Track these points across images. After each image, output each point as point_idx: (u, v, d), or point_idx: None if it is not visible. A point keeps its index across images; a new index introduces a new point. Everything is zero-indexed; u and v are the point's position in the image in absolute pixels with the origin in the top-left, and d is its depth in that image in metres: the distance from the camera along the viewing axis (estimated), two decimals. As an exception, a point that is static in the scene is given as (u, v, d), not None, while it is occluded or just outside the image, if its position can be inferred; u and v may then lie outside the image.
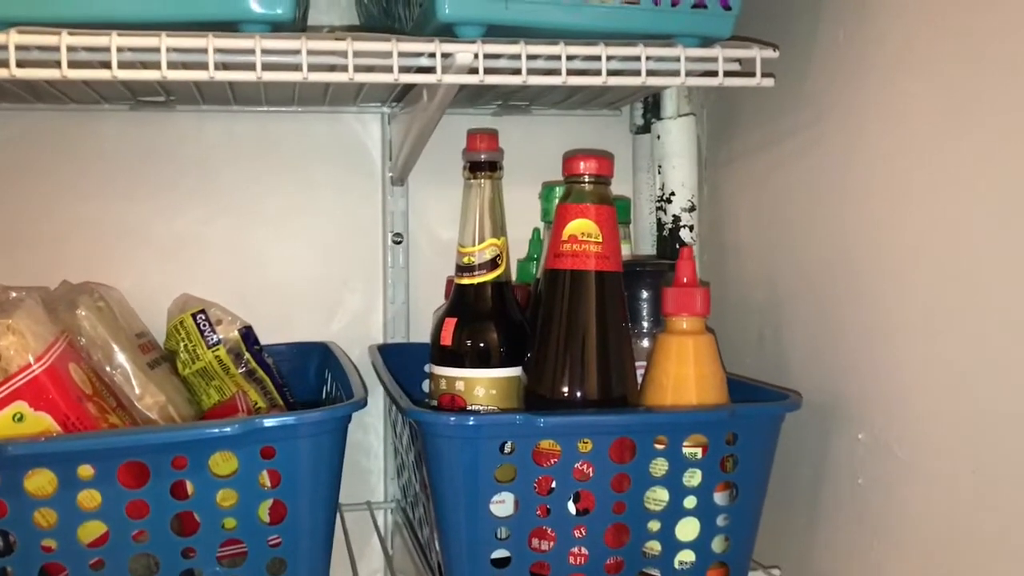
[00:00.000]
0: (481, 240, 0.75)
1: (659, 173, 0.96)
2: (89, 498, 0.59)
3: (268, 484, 0.63)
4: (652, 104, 1.01)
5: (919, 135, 0.67)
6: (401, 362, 0.89)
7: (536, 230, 0.92)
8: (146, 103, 0.92)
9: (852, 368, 0.75)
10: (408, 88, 0.87)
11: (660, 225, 0.97)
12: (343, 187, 1.02)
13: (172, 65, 0.63)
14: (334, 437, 0.64)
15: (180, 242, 0.98)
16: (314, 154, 1.01)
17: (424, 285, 1.03)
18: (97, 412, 0.71)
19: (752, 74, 0.72)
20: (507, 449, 0.65)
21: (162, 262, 0.98)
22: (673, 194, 0.95)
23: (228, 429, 0.59)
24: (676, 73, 0.70)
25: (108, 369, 0.80)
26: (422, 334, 1.03)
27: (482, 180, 0.76)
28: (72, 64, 0.61)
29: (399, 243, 1.02)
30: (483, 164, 0.76)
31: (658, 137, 0.96)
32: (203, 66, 0.63)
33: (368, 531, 0.98)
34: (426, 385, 0.97)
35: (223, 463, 0.63)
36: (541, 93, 0.96)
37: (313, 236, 1.01)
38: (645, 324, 0.79)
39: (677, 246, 0.94)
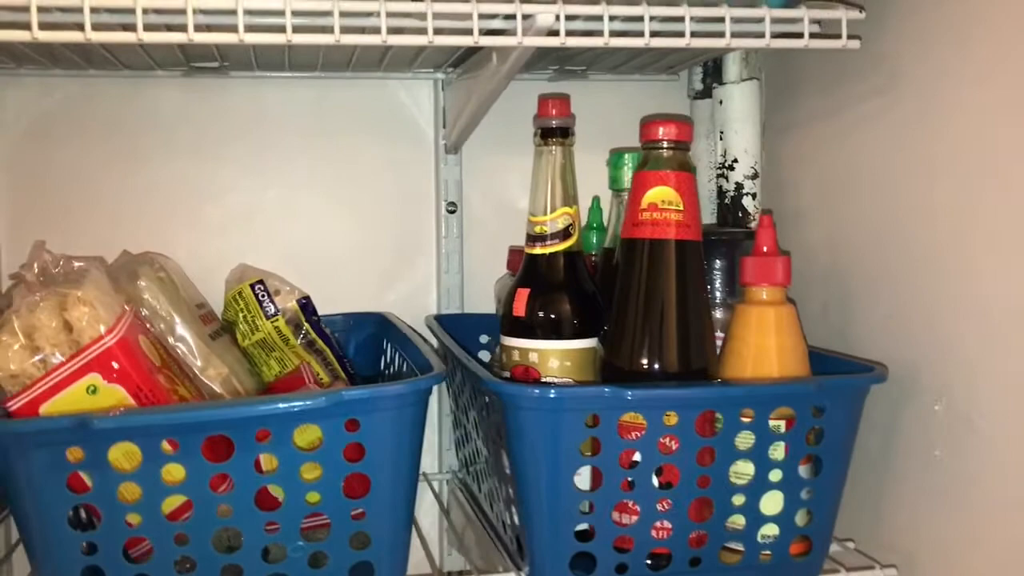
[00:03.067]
0: (553, 209, 0.74)
1: (721, 139, 0.94)
2: (173, 472, 0.58)
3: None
4: (712, 68, 0.98)
5: (1005, 101, 0.65)
6: (456, 332, 0.88)
7: (596, 198, 0.90)
8: (200, 69, 0.90)
9: (929, 339, 0.73)
10: (469, 53, 0.85)
11: (721, 192, 0.95)
12: (395, 155, 1.00)
13: (250, 28, 0.61)
14: (416, 409, 0.63)
15: (234, 211, 0.97)
16: (366, 121, 0.99)
17: (479, 255, 1.02)
18: (167, 384, 0.70)
19: (837, 36, 0.69)
20: (590, 422, 0.64)
21: (216, 232, 0.96)
22: (736, 161, 0.93)
23: (316, 401, 0.58)
24: (760, 35, 0.68)
25: (170, 340, 0.79)
26: (476, 304, 1.02)
27: (554, 147, 0.74)
28: (147, 27, 0.59)
29: (453, 212, 1.01)
30: (555, 130, 0.74)
31: (720, 102, 0.93)
32: (280, 29, 0.61)
33: (421, 502, 0.97)
34: (483, 355, 0.96)
35: (299, 436, 0.62)
36: (599, 57, 0.93)
37: (365, 205, 1.00)
38: (717, 294, 0.77)
39: (739, 214, 0.92)
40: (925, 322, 0.74)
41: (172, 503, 0.60)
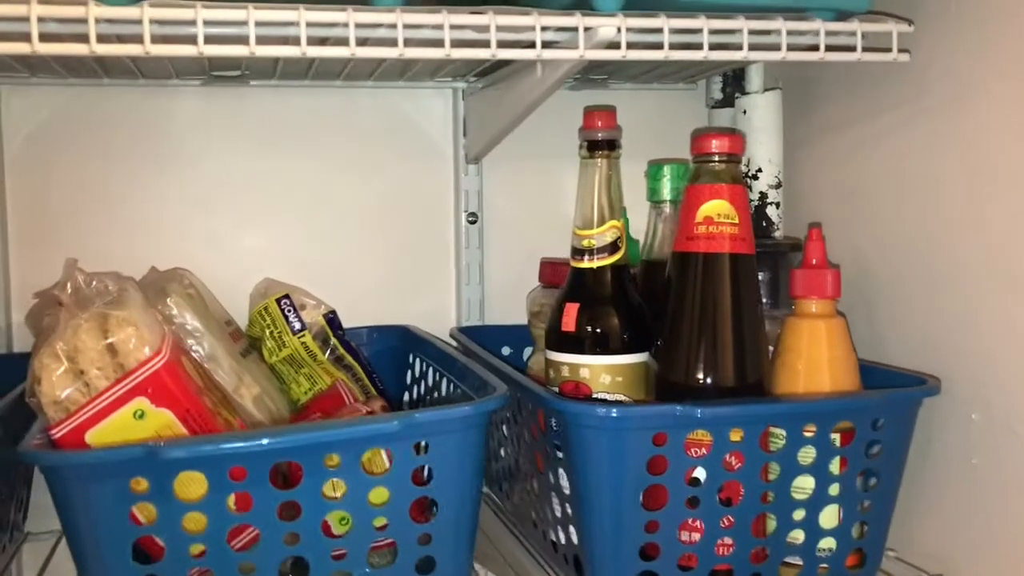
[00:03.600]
0: (601, 222, 0.73)
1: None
2: (241, 500, 0.56)
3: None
4: (732, 78, 0.99)
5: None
6: (480, 345, 0.87)
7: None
8: (220, 78, 0.88)
9: (962, 348, 0.74)
10: (501, 63, 0.84)
11: (745, 202, 0.95)
12: (414, 165, 0.99)
13: (311, 41, 0.59)
14: (480, 431, 0.62)
15: (253, 224, 0.94)
16: (386, 131, 0.98)
17: (499, 266, 1.00)
18: (212, 406, 0.68)
19: (888, 49, 0.70)
20: (657, 440, 0.63)
21: (235, 245, 0.94)
22: (760, 170, 0.93)
23: (389, 425, 0.56)
24: (815, 47, 0.68)
25: (203, 360, 0.76)
26: (495, 316, 1.01)
27: (600, 160, 0.73)
28: (208, 40, 0.57)
29: (474, 223, 0.99)
30: (601, 143, 0.73)
31: (744, 112, 0.93)
32: (344, 42, 0.59)
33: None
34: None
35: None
36: (622, 67, 0.93)
37: (383, 216, 0.98)
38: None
39: (763, 223, 0.92)
40: (957, 332, 0.74)
41: (238, 532, 0.58)
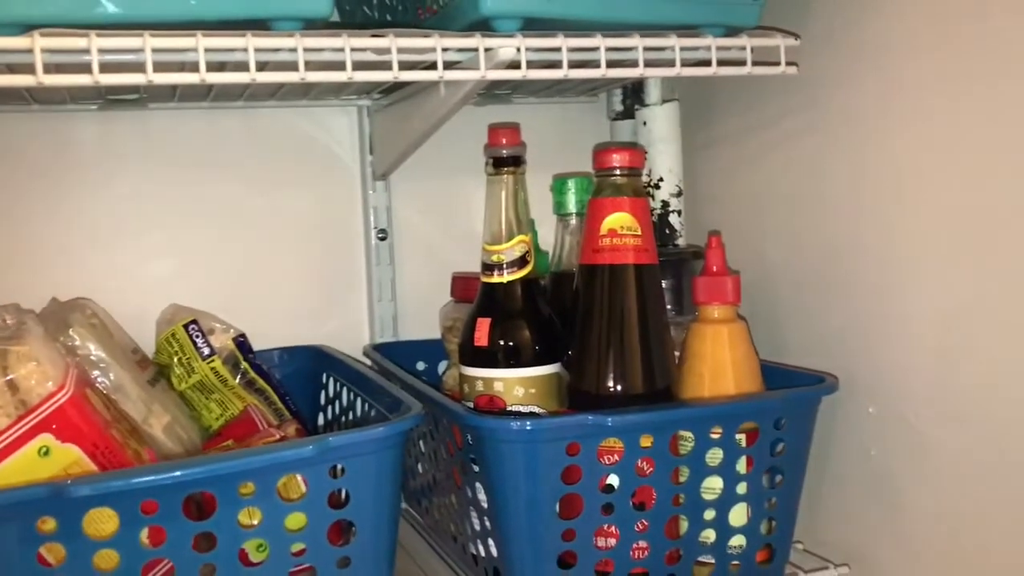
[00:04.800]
0: (509, 237, 0.74)
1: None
2: (154, 534, 0.55)
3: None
4: (632, 90, 1.01)
5: (921, 119, 0.69)
6: (394, 362, 0.87)
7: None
8: (116, 102, 0.86)
9: (858, 345, 0.77)
10: (405, 81, 0.85)
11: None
12: (321, 183, 0.98)
13: (210, 67, 0.58)
14: (397, 451, 0.62)
15: (157, 248, 0.93)
16: (290, 150, 0.97)
17: (411, 282, 1.01)
18: (120, 438, 0.66)
19: (776, 63, 0.73)
20: (570, 450, 0.65)
21: (139, 270, 0.92)
22: (661, 179, 0.95)
23: (304, 451, 0.56)
24: (708, 63, 0.70)
25: (109, 390, 0.75)
26: (410, 332, 1.01)
27: (505, 176, 0.74)
28: (104, 68, 0.56)
29: (384, 239, 0.99)
30: (506, 159, 0.74)
31: (644, 123, 0.96)
32: (244, 67, 0.59)
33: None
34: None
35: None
36: (526, 83, 0.94)
37: (290, 236, 0.97)
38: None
39: (667, 231, 0.95)
40: (853, 331, 0.78)
41: (152, 566, 0.57)
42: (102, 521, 0.55)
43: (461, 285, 0.89)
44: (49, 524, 0.54)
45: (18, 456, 0.61)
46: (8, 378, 0.62)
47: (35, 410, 0.61)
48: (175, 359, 0.84)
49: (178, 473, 0.54)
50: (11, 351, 0.63)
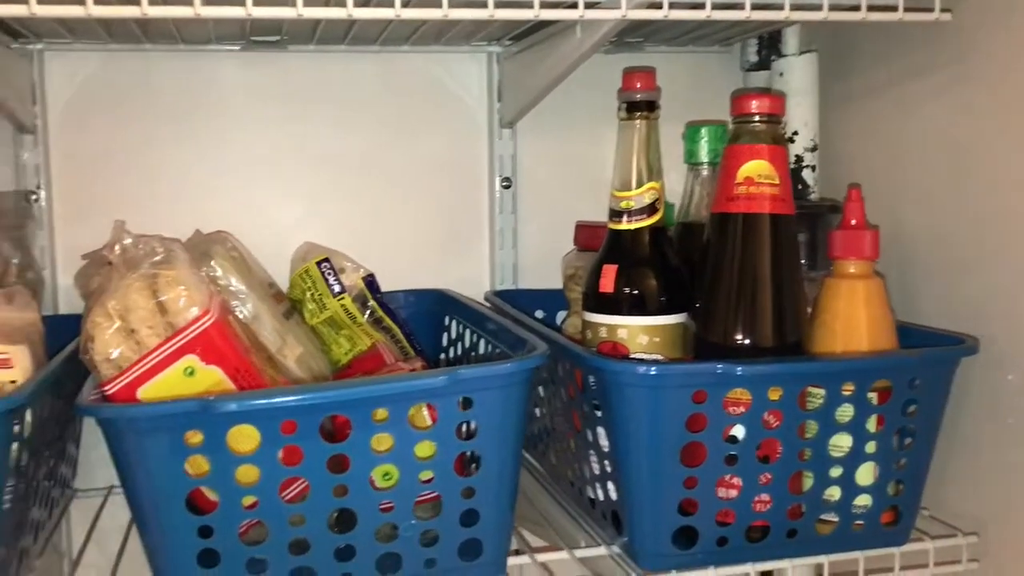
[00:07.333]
0: (640, 184, 0.73)
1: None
2: (291, 453, 0.58)
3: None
4: (768, 41, 0.98)
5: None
6: (515, 308, 0.88)
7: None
8: (258, 43, 0.88)
9: (999, 309, 0.74)
10: (539, 26, 0.84)
11: (781, 166, 0.95)
12: (449, 130, 0.99)
13: (356, 2, 0.59)
14: (524, 388, 0.63)
15: (290, 188, 0.95)
16: (420, 96, 0.98)
17: (532, 231, 1.01)
18: (260, 364, 0.69)
19: (930, 9, 0.69)
20: (697, 398, 0.64)
21: (273, 209, 0.95)
22: (796, 133, 0.93)
23: (436, 380, 0.58)
24: (857, 7, 0.68)
25: (247, 320, 0.78)
26: (530, 281, 1.01)
27: (638, 121, 0.73)
28: (256, 1, 0.58)
29: (508, 187, 1.00)
30: (640, 104, 0.73)
31: (780, 74, 0.93)
32: (389, 3, 0.59)
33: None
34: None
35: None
36: (658, 29, 0.93)
37: (418, 182, 0.99)
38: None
39: (799, 186, 0.92)
40: (994, 293, 0.74)
41: (288, 484, 0.59)
42: (244, 438, 0.58)
43: (585, 233, 0.88)
44: (196, 437, 0.57)
45: (166, 375, 0.64)
46: (158, 301, 0.65)
47: (182, 332, 0.64)
48: (308, 294, 0.86)
49: (317, 394, 0.56)
50: (161, 275, 0.66)
